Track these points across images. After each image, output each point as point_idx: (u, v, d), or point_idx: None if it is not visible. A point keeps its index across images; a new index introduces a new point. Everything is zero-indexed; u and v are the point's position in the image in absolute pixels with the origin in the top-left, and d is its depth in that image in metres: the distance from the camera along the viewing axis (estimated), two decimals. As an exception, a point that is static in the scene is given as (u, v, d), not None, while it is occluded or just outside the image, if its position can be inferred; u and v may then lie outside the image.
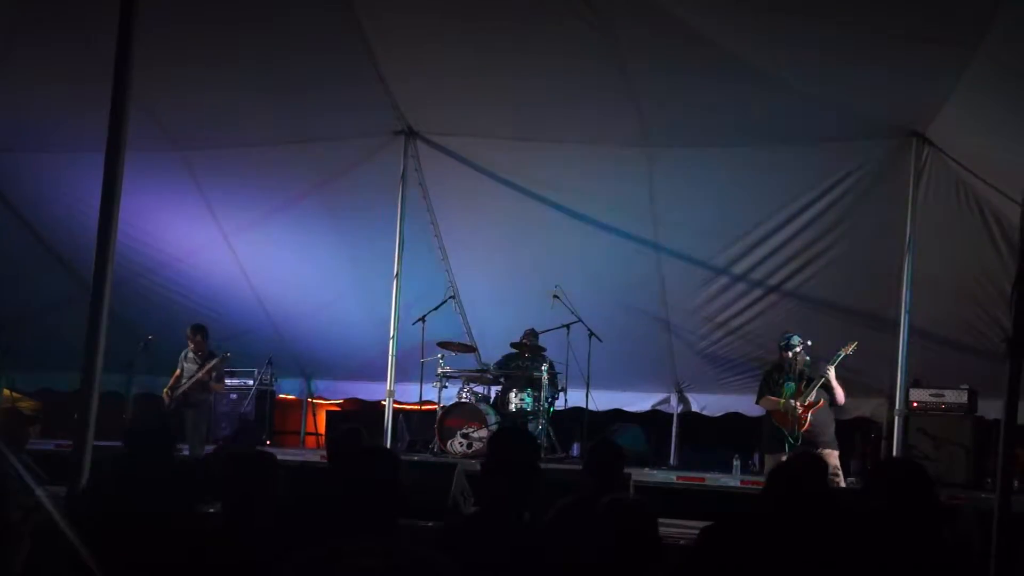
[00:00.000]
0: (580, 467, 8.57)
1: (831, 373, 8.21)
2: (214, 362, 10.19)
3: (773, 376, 8.59)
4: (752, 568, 3.31)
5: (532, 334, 10.81)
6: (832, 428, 8.39)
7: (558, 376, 10.93)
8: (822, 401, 8.27)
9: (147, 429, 4.79)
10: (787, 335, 8.55)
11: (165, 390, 10.25)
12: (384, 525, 2.77)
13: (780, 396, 8.42)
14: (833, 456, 8.15)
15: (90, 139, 6.61)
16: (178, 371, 10.31)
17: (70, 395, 9.81)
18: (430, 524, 3.61)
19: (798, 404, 8.33)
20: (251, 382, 12.25)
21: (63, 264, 11.94)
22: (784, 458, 8.31)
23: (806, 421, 8.27)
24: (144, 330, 11.17)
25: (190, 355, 10.30)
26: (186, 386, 10.03)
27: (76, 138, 9.45)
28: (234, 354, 11.05)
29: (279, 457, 3.95)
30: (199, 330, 10.38)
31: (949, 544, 3.41)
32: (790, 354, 8.37)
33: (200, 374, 10.04)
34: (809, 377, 8.33)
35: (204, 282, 12.04)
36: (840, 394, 8.29)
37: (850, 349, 8.33)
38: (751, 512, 3.99)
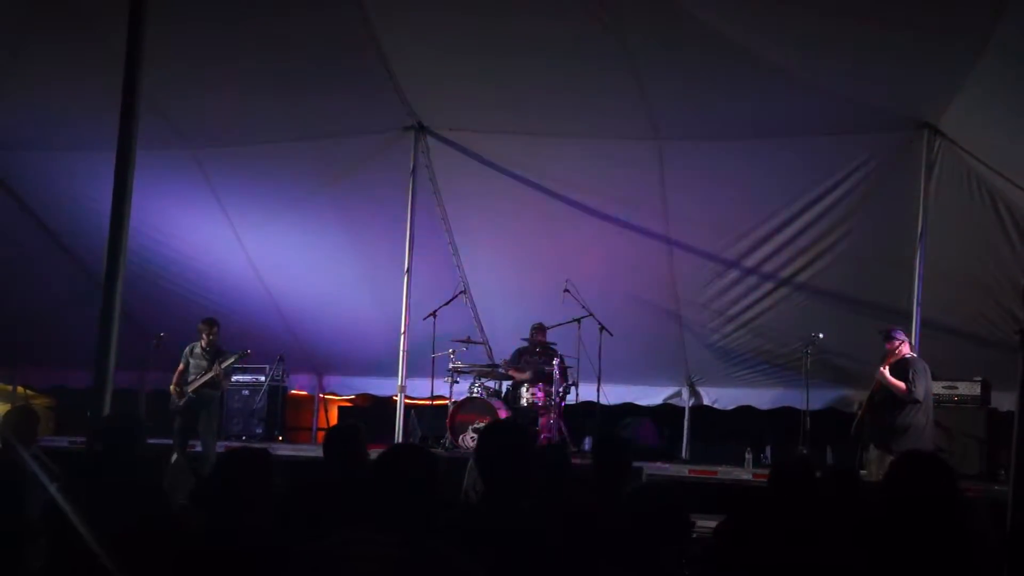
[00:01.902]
0: (590, 461, 8.65)
1: (884, 373, 8.20)
2: (233, 359, 10.04)
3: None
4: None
5: (540, 329, 10.81)
6: (894, 429, 8.19)
7: (569, 370, 10.93)
8: (862, 405, 8.27)
9: (114, 427, 4.65)
10: (883, 329, 8.54)
11: (172, 387, 9.90)
12: (412, 523, 2.78)
13: None
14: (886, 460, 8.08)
15: (102, 138, 6.65)
16: (181, 366, 9.97)
17: (83, 392, 9.82)
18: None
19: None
20: (263, 378, 12.27)
21: (76, 262, 12.00)
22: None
23: (856, 421, 8.32)
24: (156, 327, 11.19)
25: (197, 350, 9.98)
26: (203, 380, 9.82)
27: (88, 137, 9.49)
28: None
29: (290, 453, 3.95)
30: (215, 324, 10.12)
31: (969, 535, 3.41)
32: (887, 347, 8.38)
33: (216, 370, 9.81)
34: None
35: (216, 279, 12.07)
36: (897, 388, 8.18)
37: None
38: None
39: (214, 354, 9.93)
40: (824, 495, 4.23)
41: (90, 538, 3.43)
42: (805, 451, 8.47)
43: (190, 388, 9.79)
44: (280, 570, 2.81)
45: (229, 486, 3.42)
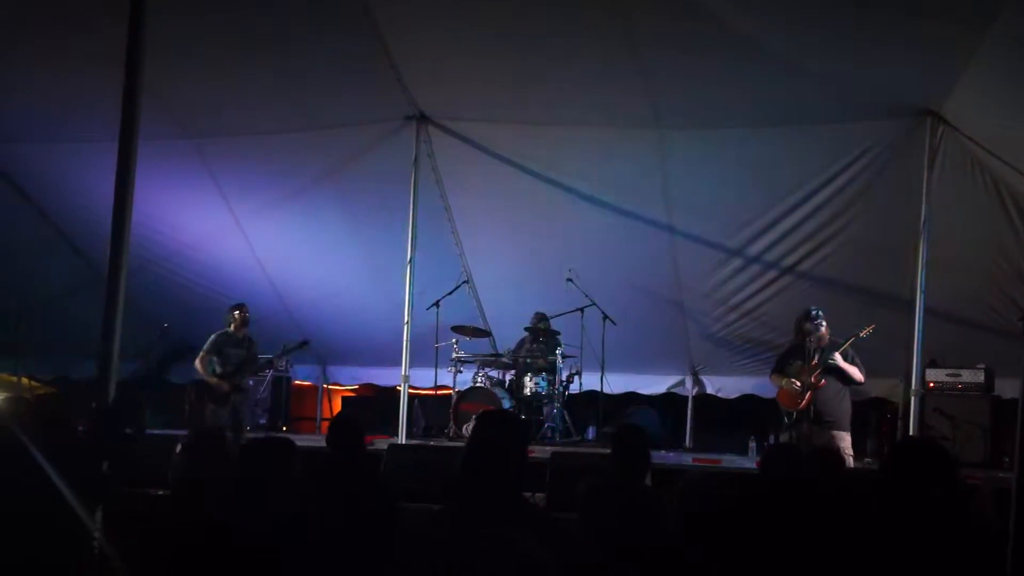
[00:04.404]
0: (594, 450, 8.68)
1: (837, 358, 8.22)
2: (294, 349, 9.94)
3: (788, 354, 8.61)
4: (750, 549, 3.33)
5: (542, 317, 10.82)
6: (843, 409, 8.35)
7: (572, 359, 10.93)
8: (824, 381, 8.27)
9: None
10: (810, 308, 8.55)
11: (215, 378, 9.66)
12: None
13: (788, 374, 8.45)
14: (842, 438, 8.15)
15: (103, 128, 6.64)
16: (206, 354, 9.75)
17: (87, 383, 9.79)
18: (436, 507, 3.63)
19: (796, 382, 8.33)
20: (267, 368, 12.28)
21: (79, 253, 12.01)
22: (783, 437, 8.49)
23: (802, 401, 8.27)
24: (160, 317, 11.21)
25: (233, 338, 9.88)
26: (251, 370, 9.77)
27: (89, 127, 9.47)
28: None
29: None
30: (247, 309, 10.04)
31: (970, 523, 3.41)
32: (810, 325, 8.37)
33: (277, 359, 9.78)
34: (821, 357, 8.34)
35: (219, 269, 12.07)
36: (855, 374, 8.29)
37: (864, 333, 8.33)
38: (746, 494, 4.02)
39: (247, 341, 9.89)
40: (809, 476, 4.28)
41: (96, 530, 3.43)
42: (794, 436, 8.45)
43: (238, 378, 9.75)
44: (301, 561, 2.80)
45: (252, 476, 3.40)
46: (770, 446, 8.60)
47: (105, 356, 5.17)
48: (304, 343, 10.29)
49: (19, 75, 9.32)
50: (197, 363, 9.86)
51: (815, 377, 8.24)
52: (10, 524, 3.67)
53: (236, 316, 9.95)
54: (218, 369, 9.75)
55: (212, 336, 9.95)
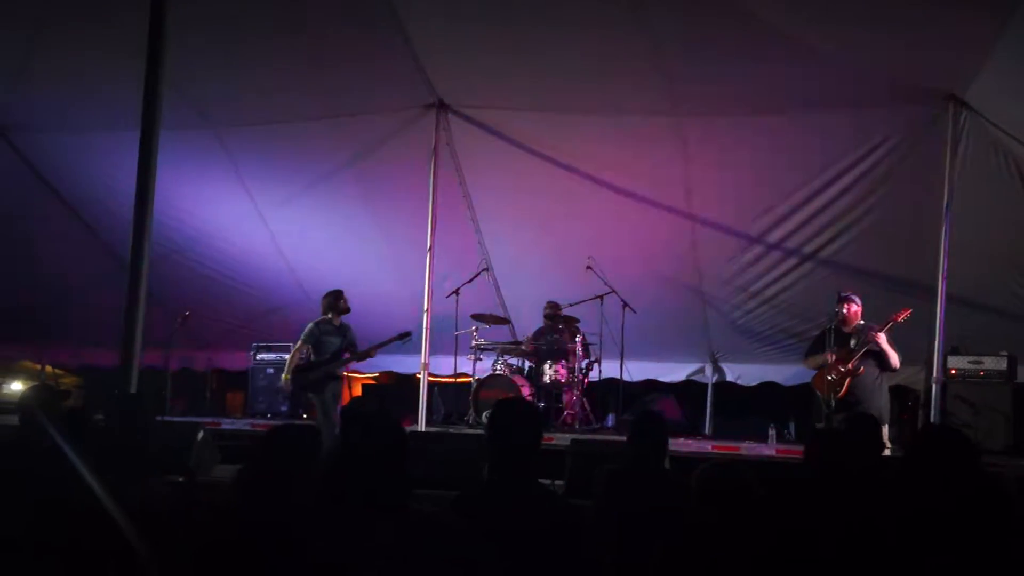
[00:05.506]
0: (613, 438, 8.69)
1: (881, 338, 8.17)
2: (394, 340, 9.83)
3: (822, 338, 8.57)
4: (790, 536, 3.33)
5: (555, 307, 10.83)
6: (881, 400, 8.32)
7: (592, 347, 10.94)
8: (863, 369, 8.22)
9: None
10: (846, 293, 8.56)
11: (288, 376, 9.76)
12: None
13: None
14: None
15: (126, 119, 6.68)
16: (310, 345, 9.71)
17: (111, 371, 9.88)
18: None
19: (838, 367, 8.28)
20: (287, 356, 12.31)
21: (102, 243, 12.09)
22: (819, 426, 8.40)
23: (842, 387, 8.22)
24: (181, 306, 11.28)
25: (329, 327, 9.79)
26: (353, 359, 9.76)
27: (112, 118, 9.53)
28: (269, 329, 11.12)
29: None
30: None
31: (991, 510, 3.40)
32: (844, 310, 8.33)
33: (373, 352, 9.71)
34: (856, 343, 8.30)
35: (240, 258, 12.13)
36: (894, 358, 8.26)
37: (902, 317, 8.29)
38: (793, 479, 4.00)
39: (343, 328, 9.84)
40: (848, 441, 4.26)
41: (119, 516, 3.45)
42: (820, 426, 8.42)
43: (332, 367, 9.70)
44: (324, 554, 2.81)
45: (276, 465, 3.39)
46: (814, 432, 8.54)
47: (128, 344, 5.23)
48: (406, 334, 9.96)
49: (43, 64, 9.38)
50: (295, 353, 9.81)
51: (852, 363, 8.21)
52: (36, 512, 3.70)
53: (343, 304, 9.80)
54: (312, 358, 9.69)
55: (310, 325, 9.80)
